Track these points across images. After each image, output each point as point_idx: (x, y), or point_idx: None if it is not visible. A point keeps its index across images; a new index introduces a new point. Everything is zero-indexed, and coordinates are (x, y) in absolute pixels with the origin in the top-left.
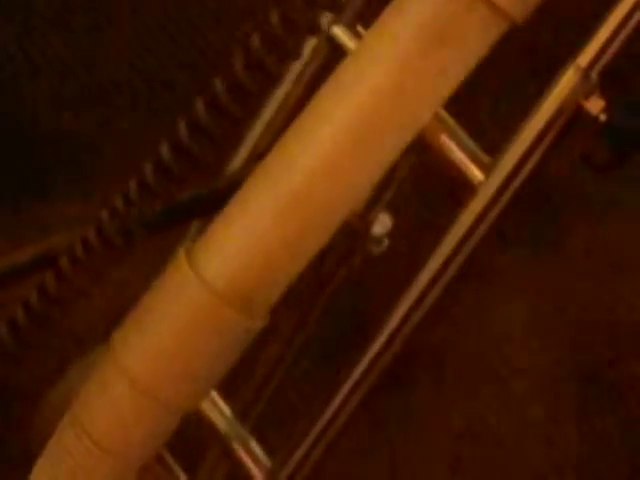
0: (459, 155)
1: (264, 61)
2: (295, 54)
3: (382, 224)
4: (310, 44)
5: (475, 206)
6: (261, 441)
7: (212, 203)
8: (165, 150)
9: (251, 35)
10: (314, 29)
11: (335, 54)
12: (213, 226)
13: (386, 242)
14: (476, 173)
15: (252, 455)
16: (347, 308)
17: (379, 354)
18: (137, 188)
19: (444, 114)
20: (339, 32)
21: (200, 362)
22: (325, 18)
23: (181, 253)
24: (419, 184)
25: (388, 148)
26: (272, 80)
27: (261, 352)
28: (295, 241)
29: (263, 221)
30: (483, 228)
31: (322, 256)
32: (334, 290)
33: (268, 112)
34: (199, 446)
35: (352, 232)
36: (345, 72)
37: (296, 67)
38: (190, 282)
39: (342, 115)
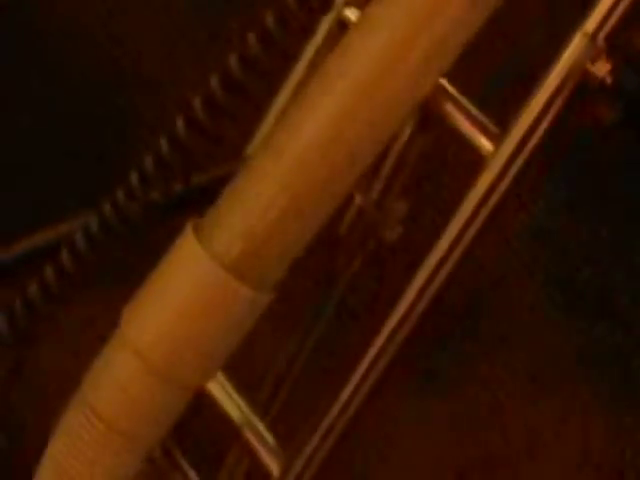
0: (468, 128)
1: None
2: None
3: (396, 210)
4: (323, 27)
5: (486, 177)
6: (278, 434)
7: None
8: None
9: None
10: (326, 7)
11: None
12: (220, 200)
13: (400, 229)
14: (486, 144)
15: (266, 445)
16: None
17: (386, 343)
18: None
19: (449, 87)
20: (350, 13)
21: (208, 337)
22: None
23: (188, 227)
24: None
25: (391, 117)
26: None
27: (279, 346)
28: (300, 211)
29: (268, 191)
30: (495, 199)
31: (337, 245)
32: (350, 280)
33: (284, 95)
34: (212, 443)
35: (366, 219)
36: (346, 45)
37: (310, 51)
38: (198, 256)
39: (342, 87)
